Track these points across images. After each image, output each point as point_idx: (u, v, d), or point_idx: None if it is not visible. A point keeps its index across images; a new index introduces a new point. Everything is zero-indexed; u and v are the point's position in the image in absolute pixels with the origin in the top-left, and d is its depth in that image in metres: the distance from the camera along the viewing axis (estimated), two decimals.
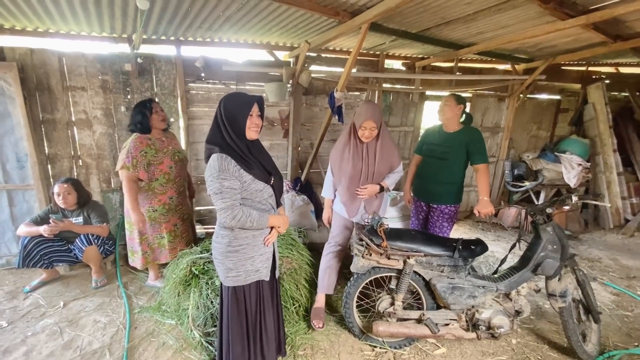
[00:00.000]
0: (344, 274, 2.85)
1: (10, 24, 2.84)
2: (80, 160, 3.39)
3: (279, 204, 1.77)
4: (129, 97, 3.38)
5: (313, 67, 3.82)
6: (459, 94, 2.64)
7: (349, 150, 2.28)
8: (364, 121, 2.15)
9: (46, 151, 3.26)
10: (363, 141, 2.24)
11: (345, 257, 2.53)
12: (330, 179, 2.45)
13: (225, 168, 1.47)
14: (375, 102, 4.17)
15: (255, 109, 1.55)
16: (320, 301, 2.41)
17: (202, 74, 3.55)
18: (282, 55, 3.80)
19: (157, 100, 2.84)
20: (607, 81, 4.77)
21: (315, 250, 2.79)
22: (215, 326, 2.16)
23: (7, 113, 2.98)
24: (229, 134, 1.52)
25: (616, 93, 5.06)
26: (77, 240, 2.80)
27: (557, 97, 5.01)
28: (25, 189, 3.15)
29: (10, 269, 3.18)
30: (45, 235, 2.65)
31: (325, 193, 2.51)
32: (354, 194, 2.30)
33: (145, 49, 3.28)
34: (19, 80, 2.91)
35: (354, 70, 3.52)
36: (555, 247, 2.01)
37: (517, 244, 2.20)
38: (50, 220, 2.65)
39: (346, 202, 2.35)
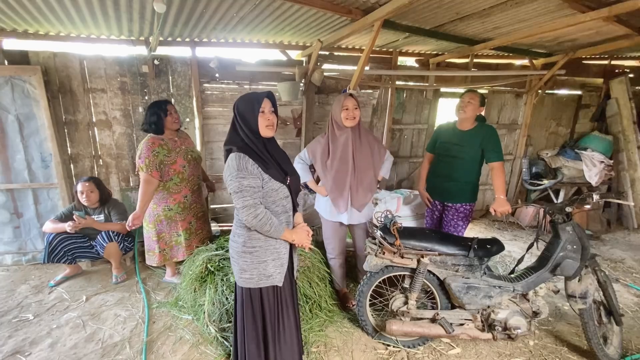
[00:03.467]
0: (353, 272, 2.86)
1: (35, 29, 2.96)
2: (100, 160, 3.51)
3: (295, 205, 1.71)
4: (146, 98, 3.47)
5: (325, 66, 3.81)
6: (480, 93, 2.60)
7: (328, 146, 2.32)
8: (344, 100, 2.19)
9: (69, 151, 3.39)
10: (346, 126, 2.23)
11: (349, 255, 2.61)
12: (302, 167, 2.42)
13: (244, 167, 1.46)
14: (389, 99, 4.15)
15: (266, 105, 1.53)
16: (342, 289, 2.68)
17: (217, 75, 3.60)
18: (295, 55, 3.82)
19: (172, 101, 2.84)
20: (631, 75, 4.58)
21: None
22: (230, 322, 2.20)
23: (32, 115, 3.10)
24: (246, 133, 1.52)
25: None
26: (98, 237, 2.91)
27: (578, 92, 4.85)
28: (49, 188, 3.28)
29: (35, 264, 3.32)
30: (69, 231, 2.75)
31: (305, 177, 2.44)
32: (342, 186, 2.31)
33: (161, 50, 3.36)
34: (43, 83, 3.02)
35: (366, 68, 3.50)
36: (575, 247, 1.95)
37: (535, 244, 2.14)
38: (74, 217, 2.76)
39: (335, 197, 2.35)
